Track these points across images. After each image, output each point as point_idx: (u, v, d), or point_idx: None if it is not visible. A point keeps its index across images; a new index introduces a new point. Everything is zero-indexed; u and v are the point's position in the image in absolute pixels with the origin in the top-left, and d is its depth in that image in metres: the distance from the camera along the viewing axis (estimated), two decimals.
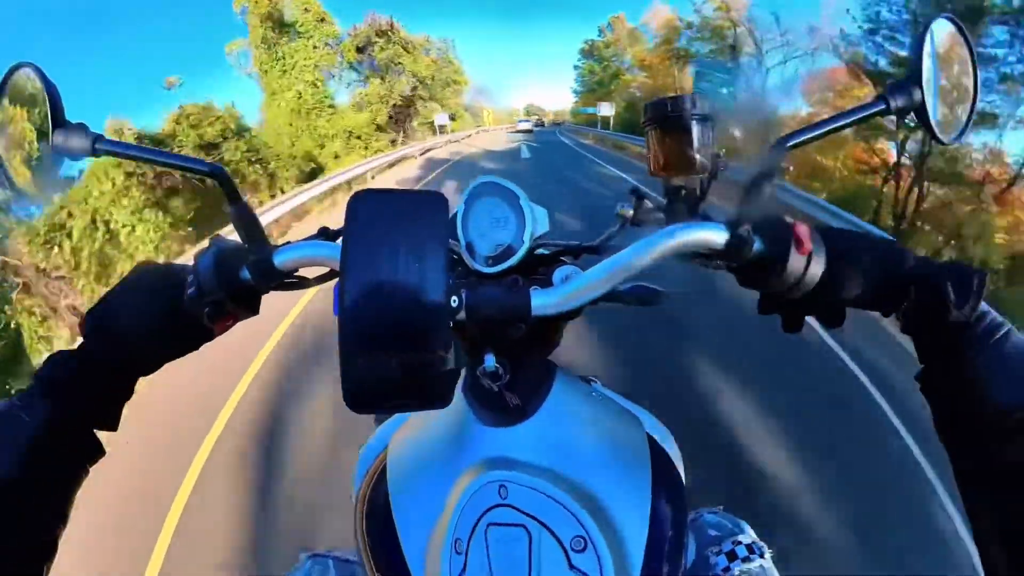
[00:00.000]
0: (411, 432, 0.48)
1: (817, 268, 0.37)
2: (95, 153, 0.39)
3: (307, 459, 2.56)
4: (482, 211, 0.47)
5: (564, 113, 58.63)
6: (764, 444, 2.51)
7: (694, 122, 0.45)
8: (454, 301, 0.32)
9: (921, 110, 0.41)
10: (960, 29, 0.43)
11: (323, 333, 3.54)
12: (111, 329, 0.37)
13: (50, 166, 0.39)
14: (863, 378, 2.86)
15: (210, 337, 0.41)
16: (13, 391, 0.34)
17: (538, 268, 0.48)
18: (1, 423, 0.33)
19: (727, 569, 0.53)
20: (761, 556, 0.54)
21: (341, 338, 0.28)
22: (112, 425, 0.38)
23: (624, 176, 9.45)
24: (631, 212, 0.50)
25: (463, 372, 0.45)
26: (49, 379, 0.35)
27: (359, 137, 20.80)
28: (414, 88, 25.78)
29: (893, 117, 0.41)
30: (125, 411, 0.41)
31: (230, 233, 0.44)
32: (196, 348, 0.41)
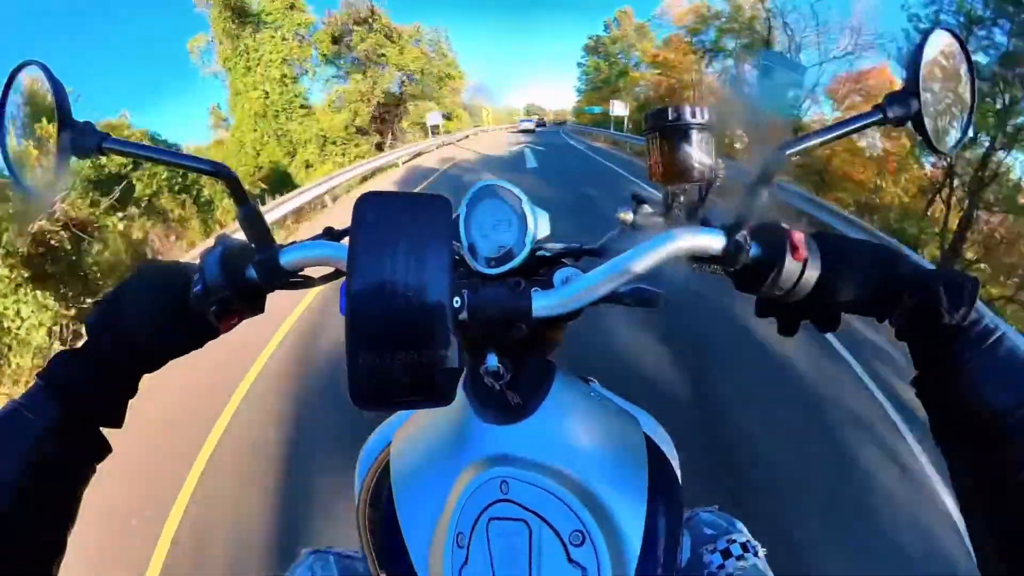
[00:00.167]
0: (413, 430, 0.51)
1: (812, 274, 0.39)
2: (102, 152, 0.40)
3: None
4: (484, 213, 0.49)
5: (564, 113, 57.68)
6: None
7: (694, 131, 0.47)
8: (456, 302, 0.34)
9: (918, 120, 0.42)
10: (958, 40, 0.46)
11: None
12: (115, 327, 0.39)
13: (56, 165, 0.39)
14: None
15: (215, 335, 0.43)
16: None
17: (539, 270, 0.50)
18: (7, 423, 0.35)
19: (721, 567, 0.54)
20: (755, 555, 0.55)
21: (348, 337, 0.29)
22: (117, 423, 0.39)
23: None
24: (631, 216, 0.51)
25: (464, 371, 0.46)
26: (54, 379, 0.37)
27: (335, 142, 16.98)
28: (403, 84, 21.98)
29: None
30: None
31: (234, 231, 0.45)
32: (201, 346, 0.43)
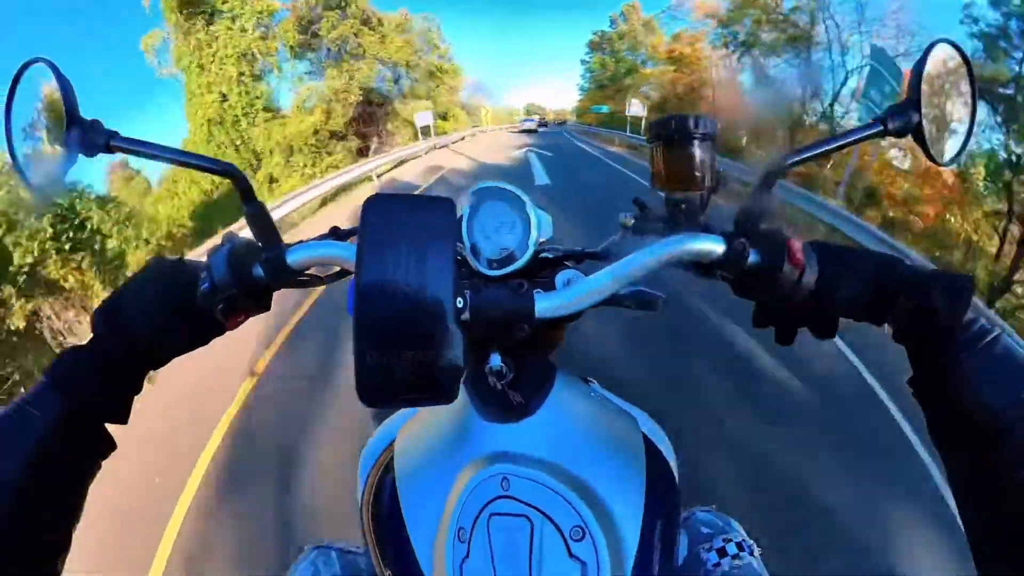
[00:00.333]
0: (417, 427, 0.53)
1: (809, 280, 0.41)
2: (110, 150, 0.42)
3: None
4: (487, 215, 0.51)
5: (565, 112, 57.94)
6: None
7: (696, 141, 0.49)
8: (459, 302, 0.36)
9: (918, 132, 0.44)
10: (961, 53, 0.47)
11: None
12: (122, 324, 0.40)
13: (63, 162, 0.41)
14: None
15: (221, 331, 0.45)
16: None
17: (541, 271, 0.52)
18: (13, 419, 0.36)
19: (717, 565, 0.57)
20: (750, 554, 0.58)
21: (355, 336, 0.30)
22: (123, 419, 0.41)
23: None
24: (633, 221, 0.53)
25: (467, 370, 0.49)
26: (60, 374, 0.38)
27: (303, 150, 13.60)
28: (397, 79, 18.57)
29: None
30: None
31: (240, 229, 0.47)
32: (206, 342, 0.45)
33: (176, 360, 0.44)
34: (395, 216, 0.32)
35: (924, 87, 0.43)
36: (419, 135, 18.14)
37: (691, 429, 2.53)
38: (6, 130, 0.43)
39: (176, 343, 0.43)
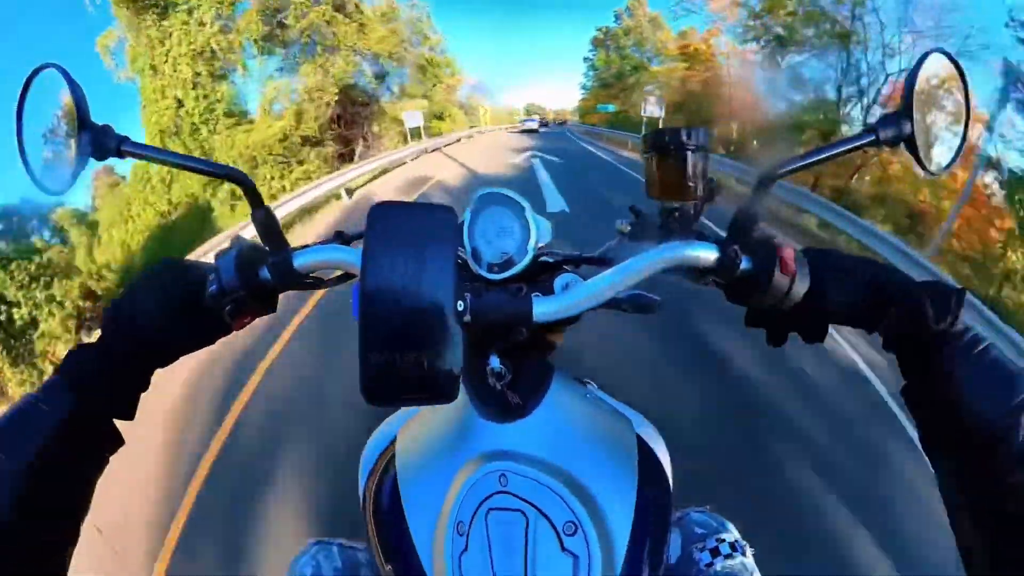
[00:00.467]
0: (418, 426, 0.56)
1: (801, 286, 0.43)
2: (120, 155, 0.44)
3: None
4: (488, 220, 0.53)
5: (565, 112, 56.72)
6: None
7: (689, 152, 0.50)
8: (460, 305, 0.39)
9: (911, 142, 0.45)
10: (954, 62, 0.48)
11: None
12: (131, 323, 0.43)
13: (74, 165, 0.43)
14: None
15: (227, 331, 0.47)
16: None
17: (540, 275, 0.55)
18: (25, 415, 0.39)
19: (710, 564, 0.58)
20: (743, 554, 0.59)
21: (361, 337, 0.32)
22: (130, 415, 0.44)
23: None
24: (629, 227, 0.56)
25: (467, 370, 0.53)
26: (70, 372, 0.41)
27: (268, 160, 11.17)
28: (384, 75, 16.06)
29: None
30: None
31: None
32: (212, 342, 0.47)
33: None
34: (399, 222, 0.35)
35: (917, 95, 0.45)
36: (408, 137, 15.87)
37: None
38: (17, 134, 0.45)
39: (183, 342, 0.45)
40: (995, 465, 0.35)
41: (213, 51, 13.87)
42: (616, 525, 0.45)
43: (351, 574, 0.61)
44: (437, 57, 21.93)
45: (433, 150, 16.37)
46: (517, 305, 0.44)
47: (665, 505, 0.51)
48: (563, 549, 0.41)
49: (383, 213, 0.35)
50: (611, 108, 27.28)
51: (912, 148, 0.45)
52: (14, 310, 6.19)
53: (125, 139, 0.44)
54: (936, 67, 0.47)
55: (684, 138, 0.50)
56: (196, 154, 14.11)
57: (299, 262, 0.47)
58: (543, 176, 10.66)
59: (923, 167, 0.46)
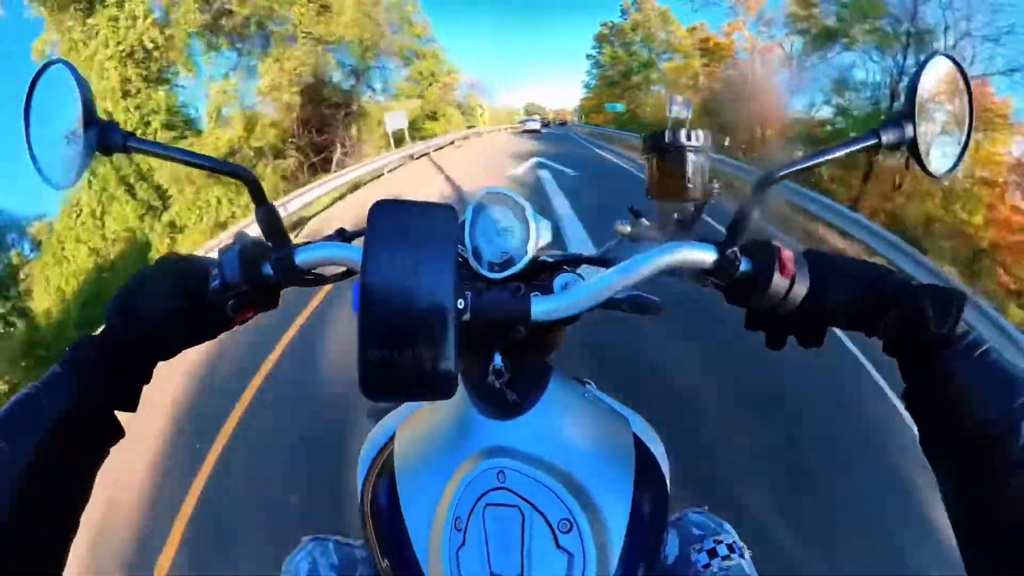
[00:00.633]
0: (417, 423, 0.59)
1: (800, 289, 0.45)
2: (127, 150, 0.46)
3: None
4: (489, 219, 0.55)
5: (565, 112, 55.94)
6: None
7: (689, 153, 0.52)
8: (460, 304, 0.40)
9: (913, 145, 0.46)
10: (958, 66, 0.49)
11: None
12: (134, 316, 0.45)
13: (80, 160, 0.45)
14: None
15: (229, 326, 0.50)
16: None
17: (540, 275, 0.57)
18: (27, 405, 0.41)
19: (707, 566, 0.59)
20: (741, 556, 0.60)
21: (360, 334, 0.33)
22: (131, 407, 0.46)
23: None
24: (629, 228, 0.57)
25: (466, 368, 0.55)
26: (73, 363, 0.43)
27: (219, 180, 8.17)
28: (363, 70, 13.28)
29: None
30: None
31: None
32: (215, 336, 0.50)
33: None
34: (400, 220, 0.35)
35: (920, 98, 0.46)
36: (391, 141, 13.18)
37: None
38: (25, 129, 0.47)
39: (186, 336, 0.48)
40: (996, 468, 0.36)
41: (147, 51, 11.08)
42: (611, 524, 0.47)
43: (348, 571, 0.63)
44: (423, 47, 18.71)
45: (420, 156, 13.79)
46: (516, 304, 0.46)
47: (662, 505, 0.53)
48: (558, 546, 0.43)
49: (384, 211, 0.36)
50: (620, 108, 25.11)
51: (914, 152, 0.46)
52: None
53: (131, 135, 0.46)
54: (940, 71, 0.48)
55: (684, 138, 0.51)
56: (131, 179, 11.42)
57: (301, 258, 0.49)
58: (559, 202, 8.45)
59: (925, 171, 0.48)
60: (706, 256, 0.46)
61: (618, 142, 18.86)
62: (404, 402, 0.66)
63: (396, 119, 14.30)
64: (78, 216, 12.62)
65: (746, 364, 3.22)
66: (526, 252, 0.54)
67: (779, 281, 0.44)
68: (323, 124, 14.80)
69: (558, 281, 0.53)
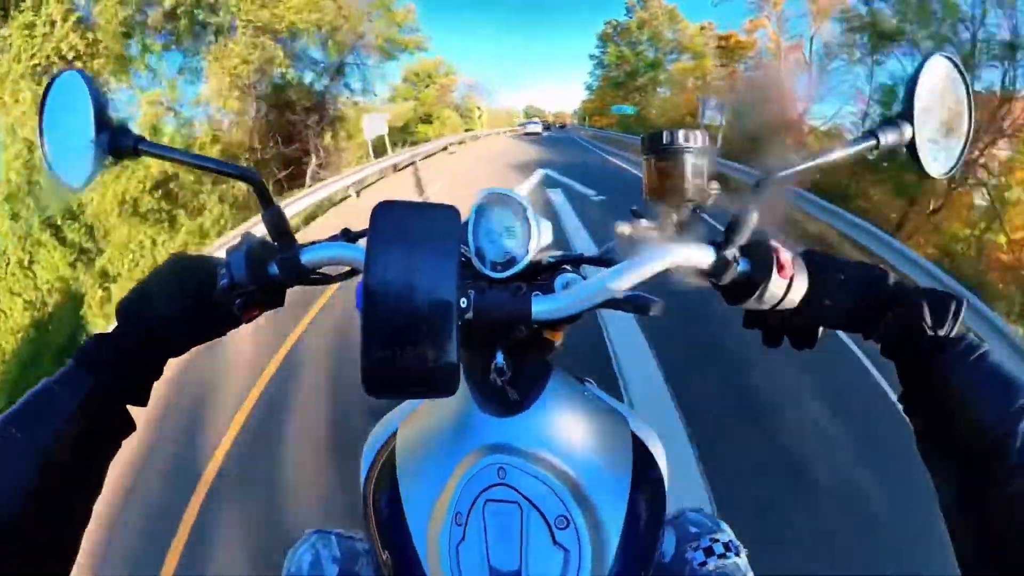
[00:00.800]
0: (419, 419, 0.60)
1: (798, 290, 0.45)
2: (138, 153, 0.47)
3: None
4: (491, 220, 0.57)
5: (565, 115, 54.39)
6: None
7: (687, 155, 0.52)
8: (463, 302, 0.40)
9: (912, 146, 0.46)
10: (957, 66, 0.49)
11: None
12: (145, 314, 0.47)
13: (93, 162, 0.47)
14: None
15: (236, 324, 0.51)
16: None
17: (541, 275, 0.59)
18: (41, 400, 0.42)
19: (703, 564, 0.60)
20: (736, 555, 0.61)
21: (363, 331, 0.34)
22: (143, 402, 0.48)
23: None
24: (629, 229, 0.57)
25: (468, 366, 0.56)
26: (86, 359, 0.45)
27: (147, 217, 5.39)
28: (333, 70, 10.94)
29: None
30: None
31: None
32: (223, 334, 0.51)
33: None
34: (403, 221, 0.36)
35: (918, 99, 0.46)
36: (370, 151, 11.09)
37: None
38: (39, 133, 0.49)
39: (194, 334, 0.49)
40: (992, 472, 0.37)
41: (68, 61, 8.52)
42: (608, 521, 0.48)
43: (349, 564, 0.64)
44: (405, 37, 16.09)
45: (406, 165, 11.68)
46: (517, 303, 0.46)
47: (658, 503, 0.54)
48: (554, 542, 0.44)
49: (387, 211, 0.36)
50: (629, 110, 23.06)
51: (913, 152, 0.46)
52: None
53: (142, 139, 0.47)
54: (939, 72, 0.48)
55: (682, 140, 0.51)
56: (58, 219, 9.21)
57: (307, 258, 0.50)
58: (583, 238, 6.66)
59: (924, 172, 0.48)
60: (704, 257, 0.46)
61: (633, 149, 16.66)
62: (407, 399, 0.66)
63: (375, 124, 12.24)
64: (7, 266, 10.25)
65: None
66: (527, 252, 0.55)
67: (777, 282, 0.44)
68: (293, 132, 12.44)
69: (559, 281, 0.54)
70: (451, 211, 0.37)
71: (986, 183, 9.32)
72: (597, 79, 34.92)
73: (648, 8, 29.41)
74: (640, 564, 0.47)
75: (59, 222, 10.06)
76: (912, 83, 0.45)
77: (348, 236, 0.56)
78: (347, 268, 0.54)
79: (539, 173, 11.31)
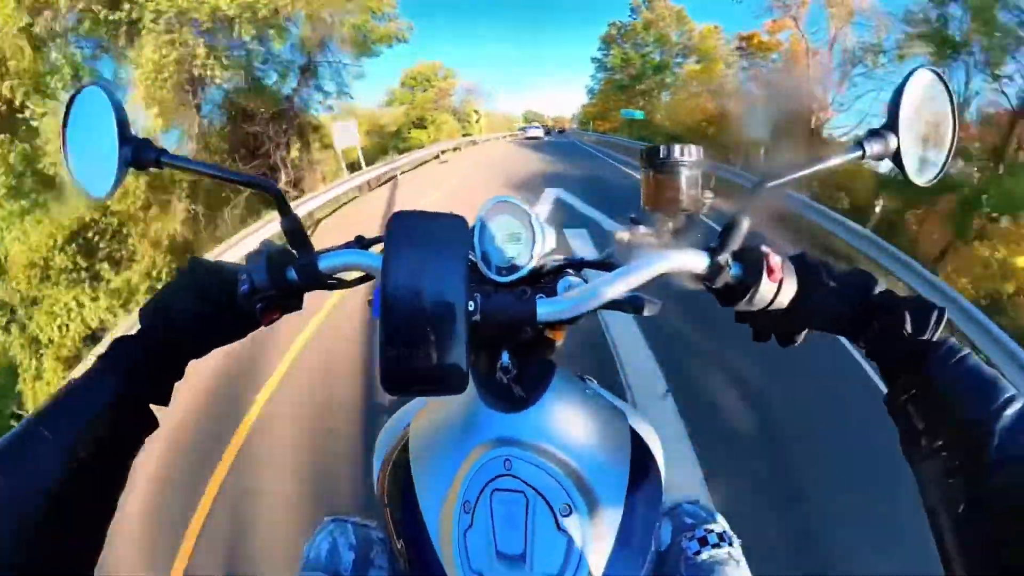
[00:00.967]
0: (430, 415, 0.63)
1: (787, 293, 0.47)
2: (159, 165, 0.49)
3: None
4: (497, 227, 0.59)
5: (564, 119, 55.43)
6: None
7: (683, 168, 0.54)
8: (471, 306, 0.42)
9: (897, 156, 0.48)
10: (941, 79, 0.51)
11: None
12: (167, 318, 0.49)
13: (116, 174, 0.48)
14: None
15: (256, 327, 0.54)
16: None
17: (544, 278, 0.61)
18: (68, 400, 0.44)
19: (697, 552, 0.62)
20: (730, 544, 0.63)
21: (381, 333, 0.35)
22: (165, 401, 0.50)
23: None
24: (627, 235, 0.60)
25: (475, 365, 0.59)
26: (112, 360, 0.46)
27: (60, 280, 2.73)
28: (306, 67, 8.79)
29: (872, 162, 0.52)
30: None
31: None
32: (243, 336, 0.54)
33: None
34: (416, 230, 0.38)
35: (903, 110, 0.47)
36: (342, 163, 9.14)
37: None
38: (63, 145, 0.51)
39: (216, 336, 0.52)
40: (974, 469, 0.37)
41: None
42: (608, 510, 0.50)
43: (365, 550, 0.66)
44: (379, 26, 12.73)
45: (386, 181, 9.77)
46: (522, 306, 0.48)
47: (655, 494, 0.56)
48: (559, 528, 0.46)
49: (402, 221, 0.39)
50: (639, 115, 21.18)
51: (898, 162, 0.48)
52: None
53: (163, 151, 0.49)
54: (924, 84, 0.49)
55: (678, 155, 0.53)
56: None
57: (324, 265, 0.52)
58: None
59: (909, 180, 0.49)
60: (698, 262, 0.48)
61: (631, 152, 14.84)
62: (420, 396, 0.68)
63: (345, 134, 10.17)
64: None
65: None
66: (532, 257, 0.57)
67: (767, 285, 0.46)
68: (256, 146, 10.25)
69: (562, 284, 0.56)
70: (460, 220, 0.39)
71: None
72: (598, 82, 33.84)
73: (654, 8, 27.83)
74: (638, 551, 0.50)
75: None
76: (897, 95, 0.47)
77: (362, 243, 0.58)
78: (360, 274, 0.56)
79: (550, 196, 8.78)
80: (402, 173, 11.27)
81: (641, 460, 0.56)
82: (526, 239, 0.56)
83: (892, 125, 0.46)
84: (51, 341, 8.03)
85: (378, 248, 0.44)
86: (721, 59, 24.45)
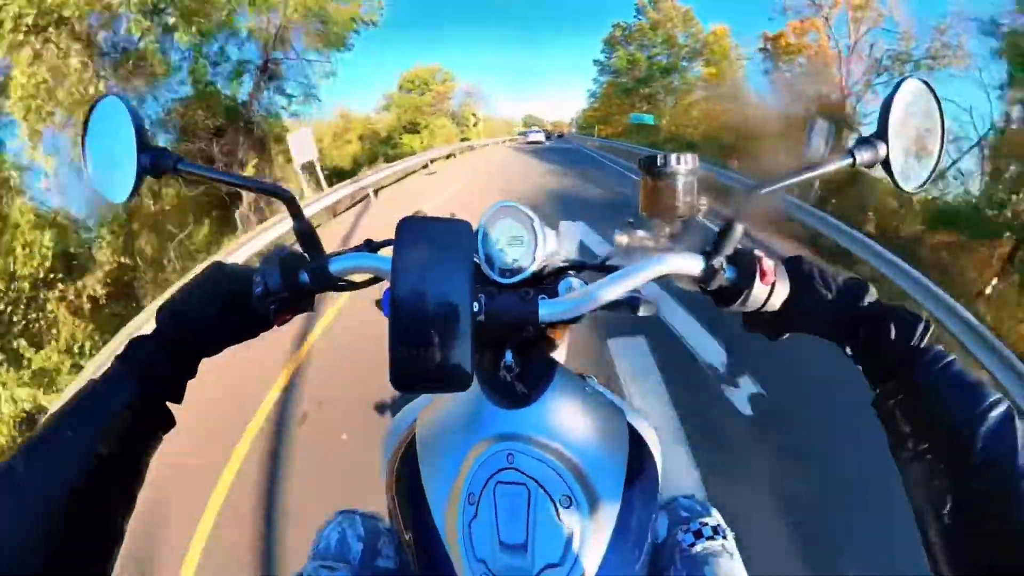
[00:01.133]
0: (436, 411, 0.66)
1: (779, 296, 0.49)
2: (177, 173, 0.51)
3: None
4: (500, 230, 0.61)
5: (562, 124, 54.38)
6: None
7: (679, 176, 0.56)
8: (475, 307, 0.44)
9: (886, 163, 0.49)
10: (930, 88, 0.52)
11: None
12: (184, 318, 0.51)
13: (135, 181, 0.51)
14: None
15: (269, 327, 0.56)
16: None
17: (546, 280, 0.64)
18: (88, 398, 0.46)
19: (692, 545, 0.65)
20: (724, 537, 0.67)
21: (390, 334, 0.37)
22: (178, 399, 0.52)
23: None
24: (626, 239, 0.62)
25: (480, 363, 0.62)
26: (129, 360, 0.48)
27: None
28: (264, 66, 6.93)
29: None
30: None
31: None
32: (256, 336, 0.56)
33: None
34: (424, 234, 0.40)
35: (893, 119, 0.48)
36: (300, 177, 7.30)
37: None
38: (82, 151, 0.53)
39: (230, 336, 0.54)
40: (961, 470, 0.39)
41: None
42: (607, 502, 0.52)
43: (373, 541, 0.69)
44: (343, 7, 10.22)
45: (360, 200, 8.02)
46: (525, 307, 0.50)
47: (652, 488, 0.58)
48: (559, 519, 0.48)
49: (409, 226, 0.40)
50: (649, 119, 19.45)
51: (888, 169, 0.49)
52: None
53: (181, 159, 0.51)
54: (913, 93, 0.50)
55: (675, 164, 0.55)
56: None
57: (335, 267, 0.53)
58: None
59: (898, 187, 0.51)
60: (694, 265, 0.50)
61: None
62: (427, 393, 0.71)
63: (303, 145, 8.04)
64: None
65: None
66: (534, 259, 0.59)
67: (759, 288, 0.48)
68: (208, 163, 7.07)
69: (563, 285, 0.57)
70: (464, 225, 0.41)
71: None
72: (600, 85, 32.39)
73: (660, 9, 26.15)
74: (635, 542, 0.52)
75: None
76: (887, 104, 0.48)
77: (371, 247, 0.60)
78: (369, 276, 0.58)
79: (570, 234, 6.12)
80: (378, 190, 9.18)
81: (638, 455, 0.59)
82: (528, 242, 0.59)
83: (882, 133, 0.47)
84: None
85: (386, 251, 0.45)
86: (731, 61, 23.01)
